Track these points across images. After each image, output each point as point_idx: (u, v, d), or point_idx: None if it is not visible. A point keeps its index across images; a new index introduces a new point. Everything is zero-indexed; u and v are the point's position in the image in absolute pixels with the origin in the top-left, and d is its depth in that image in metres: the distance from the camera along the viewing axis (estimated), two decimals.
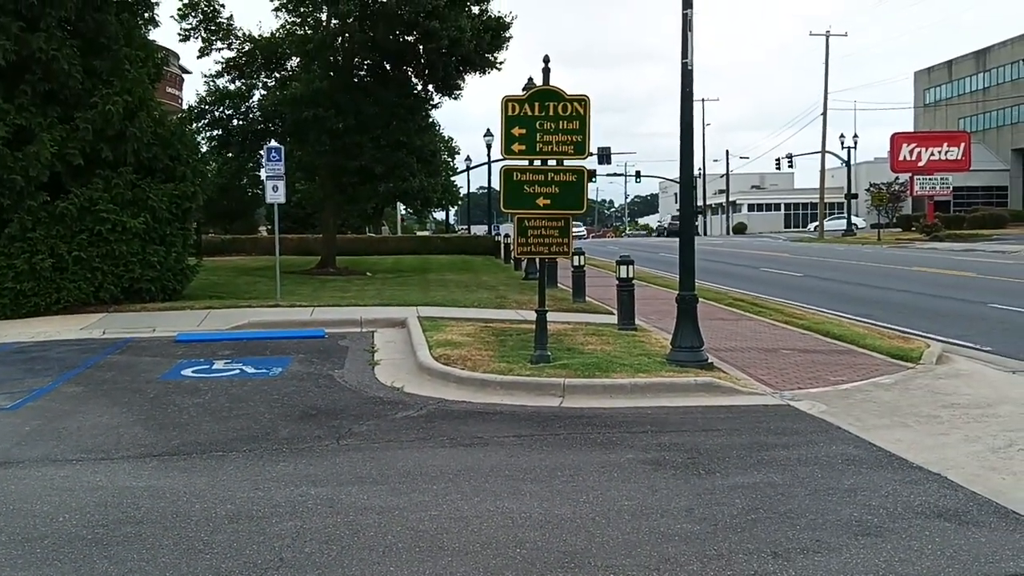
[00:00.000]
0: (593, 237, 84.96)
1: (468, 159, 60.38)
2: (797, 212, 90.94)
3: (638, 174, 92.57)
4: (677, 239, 11.34)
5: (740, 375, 10.26)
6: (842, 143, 68.02)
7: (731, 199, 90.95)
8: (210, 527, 5.53)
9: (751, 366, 10.79)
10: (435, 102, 27.55)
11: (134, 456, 7.23)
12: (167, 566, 4.95)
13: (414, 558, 5.03)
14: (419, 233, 63.66)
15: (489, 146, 47.60)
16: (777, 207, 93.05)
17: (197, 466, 6.93)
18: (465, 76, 26.06)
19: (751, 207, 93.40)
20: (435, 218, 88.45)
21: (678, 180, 12.26)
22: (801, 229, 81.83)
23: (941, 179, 56.10)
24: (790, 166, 75.68)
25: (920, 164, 56.91)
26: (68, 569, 4.93)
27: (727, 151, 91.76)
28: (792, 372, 10.47)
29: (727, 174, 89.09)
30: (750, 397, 9.33)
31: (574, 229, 10.90)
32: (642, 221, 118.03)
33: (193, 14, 25.26)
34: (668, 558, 5.02)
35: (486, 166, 51.07)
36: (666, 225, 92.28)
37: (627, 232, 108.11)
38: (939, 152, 57.66)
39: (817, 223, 66.59)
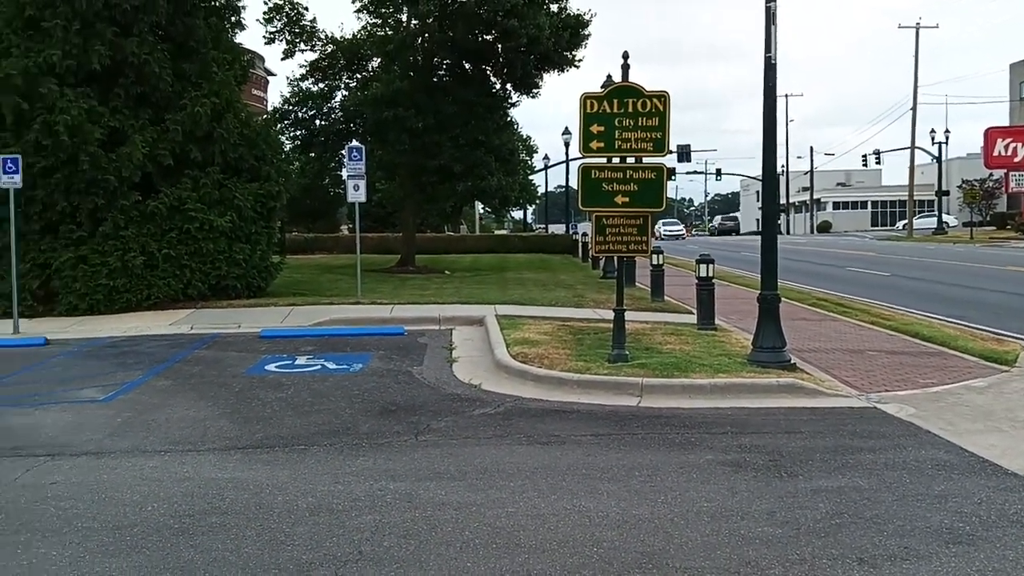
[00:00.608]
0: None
1: (546, 158, 60.36)
2: (885, 210, 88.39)
3: (718, 172, 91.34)
4: (758, 238, 11.11)
5: (824, 376, 10.00)
6: (932, 138, 66.01)
7: (815, 197, 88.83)
8: (291, 519, 5.64)
9: (836, 367, 10.51)
10: (513, 100, 27.64)
11: (219, 448, 7.42)
12: (250, 556, 5.06)
13: (491, 554, 5.04)
14: (497, 232, 63.78)
15: (567, 144, 47.51)
16: (864, 205, 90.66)
17: (280, 459, 7.08)
18: (543, 74, 26.09)
19: (836, 205, 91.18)
20: (513, 217, 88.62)
21: (759, 177, 12.01)
22: (889, 227, 79.47)
23: None
24: (878, 162, 73.62)
25: (1016, 159, 54.56)
26: (156, 557, 5.08)
27: (811, 147, 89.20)
28: (879, 374, 10.16)
29: (811, 171, 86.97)
30: (834, 399, 9.08)
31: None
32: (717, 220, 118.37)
33: (278, 17, 25.87)
34: (748, 561, 4.92)
35: (564, 164, 51.01)
36: (716, 225, 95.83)
37: (694, 232, 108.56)
38: None
39: (906, 221, 64.55)
